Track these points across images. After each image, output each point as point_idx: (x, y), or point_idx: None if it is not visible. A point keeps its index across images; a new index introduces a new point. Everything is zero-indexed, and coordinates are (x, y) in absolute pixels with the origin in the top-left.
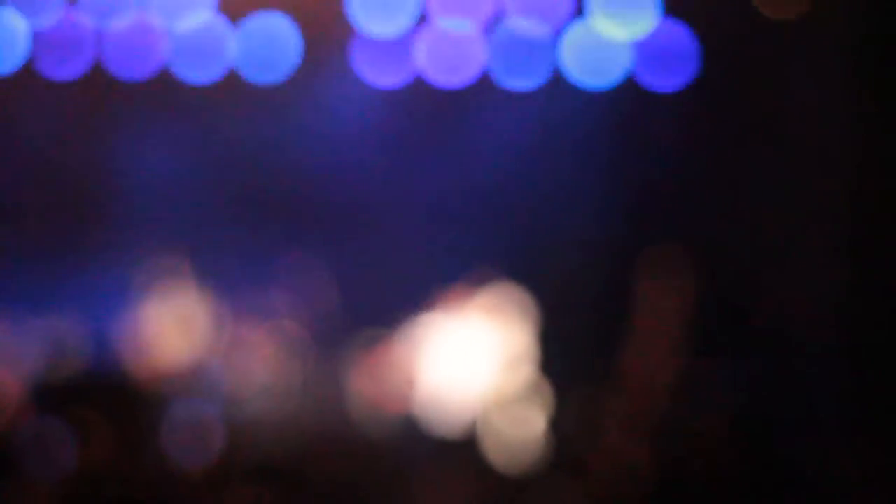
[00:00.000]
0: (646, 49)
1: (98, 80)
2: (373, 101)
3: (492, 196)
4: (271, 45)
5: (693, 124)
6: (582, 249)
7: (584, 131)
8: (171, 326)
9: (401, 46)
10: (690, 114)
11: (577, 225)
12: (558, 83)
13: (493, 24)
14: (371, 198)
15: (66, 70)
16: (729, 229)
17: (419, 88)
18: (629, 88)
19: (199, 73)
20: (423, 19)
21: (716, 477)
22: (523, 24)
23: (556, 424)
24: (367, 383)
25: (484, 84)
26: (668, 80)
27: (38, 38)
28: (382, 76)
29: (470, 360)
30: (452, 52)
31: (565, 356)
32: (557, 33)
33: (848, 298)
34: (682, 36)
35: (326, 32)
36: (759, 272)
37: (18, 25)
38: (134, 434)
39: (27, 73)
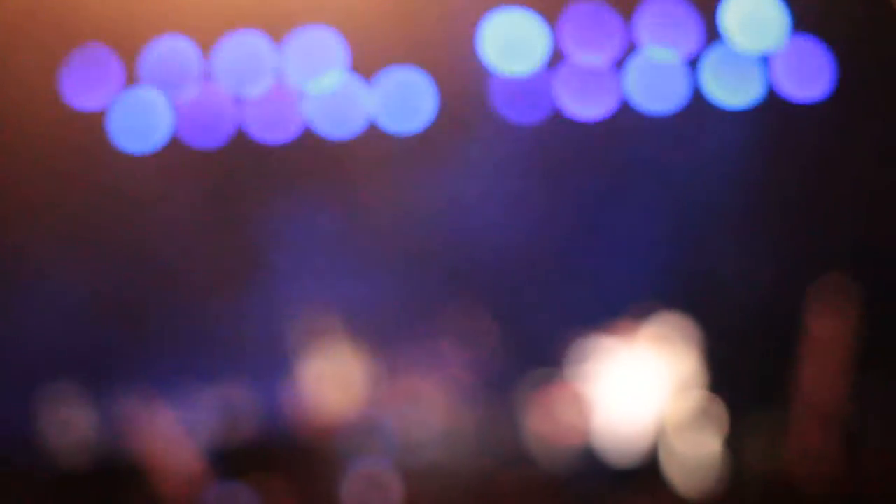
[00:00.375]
0: (781, 64)
1: (242, 147)
2: (516, 140)
3: (648, 224)
4: (407, 97)
5: (838, 133)
6: (742, 271)
7: (732, 150)
8: (339, 383)
9: (537, 83)
10: (835, 123)
11: (737, 247)
12: (699, 105)
13: (627, 55)
14: (526, 235)
15: (210, 139)
16: (885, 242)
17: (558, 122)
18: (769, 104)
19: (339, 130)
20: (558, 56)
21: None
22: (658, 52)
23: (733, 447)
24: (542, 420)
25: (624, 113)
26: (805, 93)
27: (180, 111)
28: (522, 114)
29: (642, 389)
30: (588, 84)
31: (736, 381)
32: (694, 57)
33: None
34: (815, 49)
35: (461, 77)
36: None
37: (160, 101)
38: (314, 494)
39: (174, 147)
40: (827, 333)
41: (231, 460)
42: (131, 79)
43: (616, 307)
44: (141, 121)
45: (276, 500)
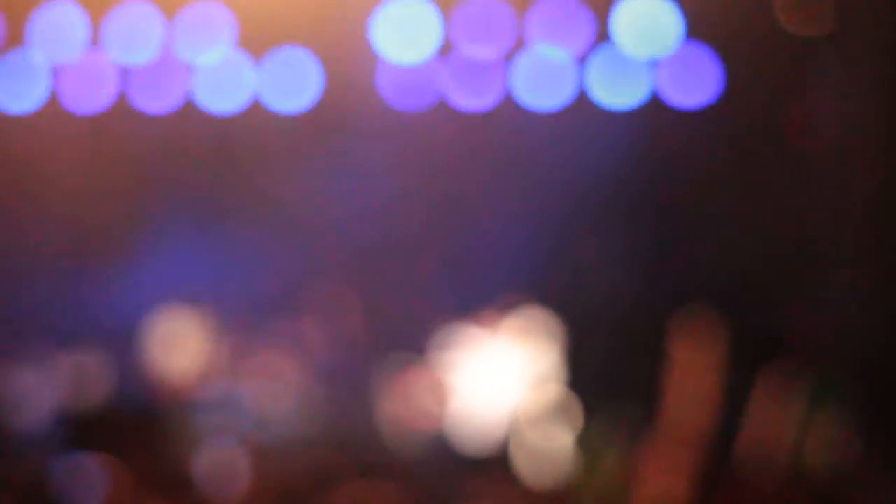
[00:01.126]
0: (669, 68)
1: (123, 114)
2: (398, 127)
3: (523, 218)
4: (293, 77)
5: (717, 141)
6: (608, 270)
7: (610, 150)
8: (194, 356)
9: (425, 72)
10: (714, 131)
11: (603, 246)
12: (583, 104)
13: (516, 49)
14: (397, 220)
15: (91, 104)
16: (752, 249)
17: (442, 112)
18: (653, 107)
19: (222, 104)
20: (447, 46)
21: None
22: (546, 49)
23: (584, 441)
24: (397, 405)
25: (508, 106)
26: (691, 98)
27: (62, 75)
28: (406, 101)
29: (499, 380)
30: (476, 76)
31: (592, 375)
32: (581, 56)
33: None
34: (704, 55)
35: (350, 61)
36: (790, 300)
37: (41, 62)
38: (163, 468)
39: (51, 109)
40: (691, 360)
41: (79, 429)
42: (15, 39)
43: (482, 297)
44: (21, 82)
45: (122, 475)
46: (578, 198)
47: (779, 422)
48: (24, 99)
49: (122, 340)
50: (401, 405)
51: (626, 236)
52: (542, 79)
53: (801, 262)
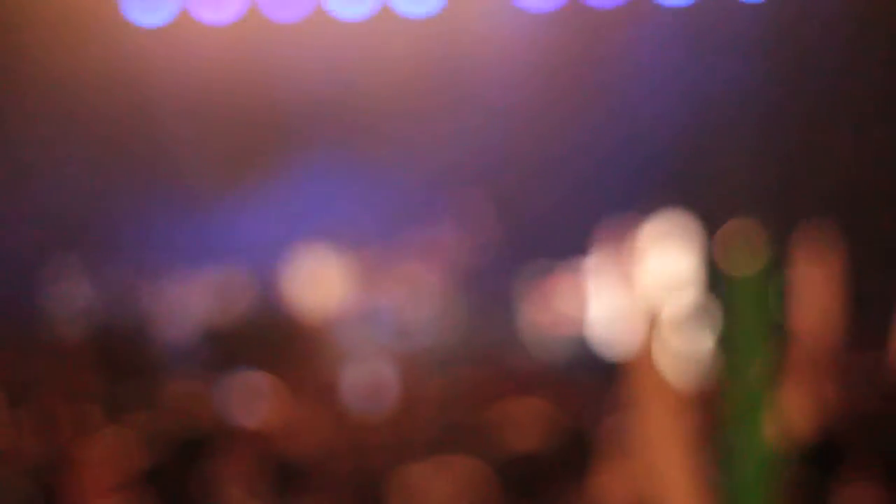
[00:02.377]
0: None
1: (254, 23)
2: (531, 28)
3: (659, 119)
4: None
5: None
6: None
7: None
8: (336, 271)
9: None
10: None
11: (745, 147)
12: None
13: None
14: (532, 125)
15: (222, 14)
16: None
17: (575, 11)
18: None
19: (350, 11)
20: None
21: None
22: None
23: (726, 346)
24: (538, 310)
25: (640, 3)
26: None
27: None
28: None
29: (640, 284)
30: None
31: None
32: None
33: None
34: None
35: None
36: None
37: None
38: (308, 382)
39: (184, 21)
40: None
41: (226, 344)
42: None
43: (620, 202)
44: None
45: (272, 388)
46: (715, 97)
47: None
48: (156, 11)
49: (268, 258)
50: (541, 310)
51: (760, 135)
52: None
53: None
